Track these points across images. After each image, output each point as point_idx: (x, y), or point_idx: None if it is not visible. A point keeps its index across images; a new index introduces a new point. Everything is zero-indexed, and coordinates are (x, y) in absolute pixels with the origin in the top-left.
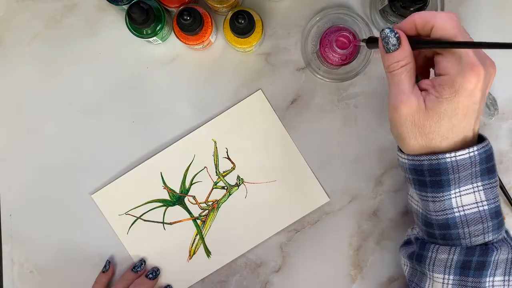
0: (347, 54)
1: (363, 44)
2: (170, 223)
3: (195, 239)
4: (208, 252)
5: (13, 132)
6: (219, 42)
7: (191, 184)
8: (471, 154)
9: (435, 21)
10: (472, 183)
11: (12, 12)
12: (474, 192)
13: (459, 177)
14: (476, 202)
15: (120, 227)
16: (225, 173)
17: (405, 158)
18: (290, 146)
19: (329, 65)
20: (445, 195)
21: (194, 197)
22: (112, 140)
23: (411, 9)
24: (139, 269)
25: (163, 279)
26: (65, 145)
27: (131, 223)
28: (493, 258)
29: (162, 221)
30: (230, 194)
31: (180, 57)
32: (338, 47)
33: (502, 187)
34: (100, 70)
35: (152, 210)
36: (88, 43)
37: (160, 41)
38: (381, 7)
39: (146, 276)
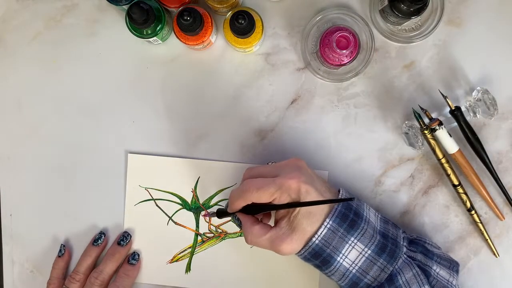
0: (347, 54)
1: (213, 216)
2: (175, 223)
3: (186, 249)
4: (188, 268)
5: (13, 132)
6: (219, 42)
7: (216, 203)
8: (328, 226)
9: (251, 200)
10: (346, 242)
11: (12, 12)
12: (353, 247)
13: (333, 246)
14: (360, 253)
15: (133, 196)
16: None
17: (298, 255)
18: (190, 164)
19: (329, 65)
20: (336, 264)
21: (210, 216)
22: (112, 140)
23: (411, 9)
24: (99, 242)
25: (142, 260)
26: (65, 145)
27: (144, 199)
28: (400, 282)
29: (170, 216)
30: (240, 235)
31: (180, 57)
32: (338, 47)
33: (502, 187)
34: (100, 70)
35: (169, 202)
36: (88, 43)
37: (160, 41)
38: (381, 7)
39: (118, 243)
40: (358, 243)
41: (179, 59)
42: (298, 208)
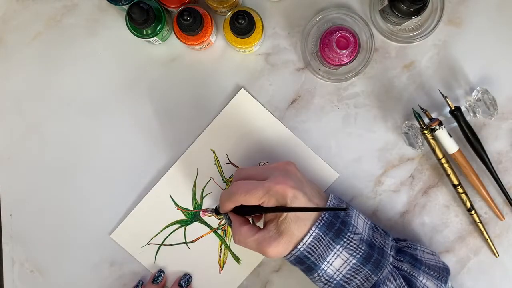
0: (347, 54)
1: (211, 214)
2: (193, 241)
3: (221, 249)
4: (237, 259)
5: (13, 132)
6: (219, 42)
7: (202, 197)
8: (314, 234)
9: (239, 202)
10: (332, 250)
11: (12, 12)
12: (338, 255)
13: (318, 254)
14: (345, 261)
15: (146, 258)
16: (231, 178)
17: (285, 259)
18: (287, 134)
19: (329, 65)
20: (320, 272)
21: (208, 209)
22: (112, 140)
23: (411, 9)
24: (159, 280)
25: None
26: (65, 145)
27: (156, 251)
28: None
29: (184, 241)
30: None
31: (180, 57)
32: (338, 47)
33: (502, 187)
34: (100, 70)
35: (173, 233)
36: (88, 43)
37: (160, 41)
38: (381, 7)
39: (179, 284)
40: (344, 252)
41: (179, 59)
42: (285, 214)
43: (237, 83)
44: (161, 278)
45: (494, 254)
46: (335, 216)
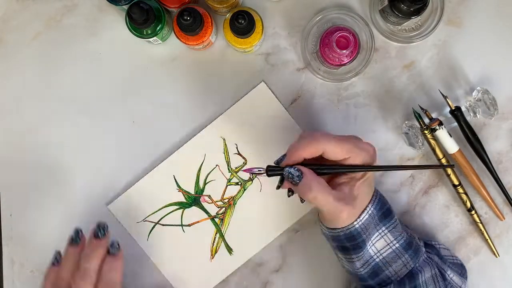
0: (347, 54)
1: (262, 174)
2: (189, 225)
3: (215, 238)
4: (229, 249)
5: (13, 132)
6: (219, 42)
7: (205, 183)
8: (370, 212)
9: (324, 149)
10: (377, 230)
11: (12, 12)
12: (382, 236)
13: (369, 233)
14: (388, 244)
15: (140, 234)
16: (237, 169)
17: (326, 231)
18: (297, 132)
19: (329, 65)
20: (364, 251)
21: (209, 196)
22: (112, 140)
23: (411, 9)
24: (77, 241)
25: (187, 280)
26: (65, 145)
27: (150, 229)
28: (420, 280)
29: (180, 223)
30: (245, 189)
31: (180, 57)
32: (338, 47)
33: (502, 187)
34: (100, 70)
35: (170, 214)
36: (88, 43)
37: (160, 41)
38: (381, 7)
39: (95, 236)
40: (388, 234)
41: (179, 59)
42: (368, 175)
43: (237, 83)
44: (78, 240)
45: (494, 254)
46: (385, 201)
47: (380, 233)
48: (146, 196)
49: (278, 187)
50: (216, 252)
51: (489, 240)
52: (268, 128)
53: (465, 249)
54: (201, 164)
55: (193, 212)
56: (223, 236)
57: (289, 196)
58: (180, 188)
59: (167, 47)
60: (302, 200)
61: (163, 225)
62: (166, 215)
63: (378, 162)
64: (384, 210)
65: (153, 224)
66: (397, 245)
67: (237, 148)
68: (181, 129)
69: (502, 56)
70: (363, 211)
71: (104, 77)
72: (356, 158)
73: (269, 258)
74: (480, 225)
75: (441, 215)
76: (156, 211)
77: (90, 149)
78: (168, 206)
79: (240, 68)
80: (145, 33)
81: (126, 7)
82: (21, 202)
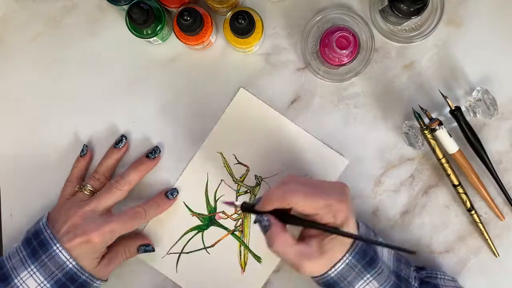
0: (347, 54)
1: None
2: (212, 246)
3: (240, 250)
4: (258, 258)
5: (13, 132)
6: (219, 42)
7: (215, 201)
8: (347, 261)
9: (291, 204)
10: (362, 278)
11: (12, 12)
12: (367, 284)
13: (348, 281)
14: None
15: (167, 268)
16: (242, 178)
17: (312, 278)
18: (291, 127)
19: (329, 65)
20: None
21: (223, 212)
22: (112, 140)
23: (411, 9)
24: (121, 144)
25: None
26: (65, 145)
27: (176, 260)
28: None
29: (203, 246)
30: (255, 195)
31: (180, 57)
32: (338, 47)
33: (502, 187)
34: (100, 70)
35: (191, 240)
36: (88, 43)
37: (160, 41)
38: (381, 7)
39: (147, 156)
40: (374, 281)
41: (179, 59)
42: (335, 235)
43: (237, 83)
44: (124, 142)
45: (494, 254)
46: (368, 244)
47: (365, 281)
48: (162, 231)
49: (255, 222)
50: (245, 264)
51: (489, 240)
52: (260, 130)
53: (465, 249)
54: (207, 184)
55: (212, 232)
56: (248, 247)
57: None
58: (193, 213)
59: (167, 47)
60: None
61: (187, 253)
62: (188, 242)
63: (378, 162)
64: (368, 259)
65: (178, 254)
66: None
67: (236, 158)
68: (180, 129)
69: (502, 56)
70: (339, 261)
71: (104, 77)
72: (323, 217)
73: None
74: (480, 225)
75: (441, 215)
76: (177, 242)
77: (89, 148)
78: (187, 233)
79: (240, 68)
80: (145, 33)
81: (126, 7)
82: (21, 202)
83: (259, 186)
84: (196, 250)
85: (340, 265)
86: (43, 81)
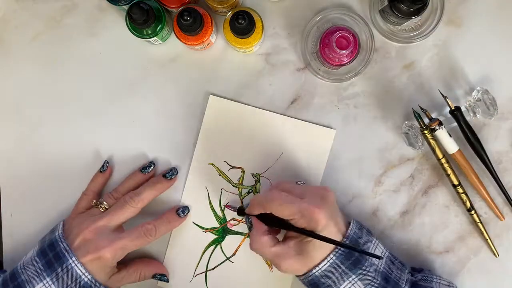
0: (347, 54)
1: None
2: (233, 254)
3: None
4: None
5: (13, 132)
6: (219, 42)
7: (222, 211)
8: (331, 261)
9: (271, 210)
10: (347, 279)
11: (12, 12)
12: (352, 284)
13: (332, 281)
14: None
15: None
16: (240, 181)
17: (298, 278)
18: (271, 117)
19: (329, 65)
20: None
21: (233, 219)
22: (112, 140)
23: (411, 9)
24: (148, 170)
25: None
26: (65, 145)
27: (205, 280)
28: None
29: (226, 258)
30: (258, 192)
31: (180, 57)
32: (338, 47)
33: (502, 187)
34: (100, 70)
35: (212, 256)
36: (88, 43)
37: (160, 41)
38: (381, 7)
39: (164, 176)
40: (358, 282)
41: (179, 59)
42: (310, 238)
43: (237, 83)
44: (151, 168)
45: (494, 254)
46: (351, 253)
47: (350, 281)
48: (182, 257)
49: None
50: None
51: (489, 240)
52: (242, 129)
53: (465, 249)
54: (209, 197)
55: (230, 241)
56: None
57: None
58: (205, 229)
59: (167, 47)
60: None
61: (212, 269)
62: (209, 258)
63: (378, 162)
64: (352, 260)
65: (204, 273)
66: None
67: (227, 163)
68: (180, 128)
69: (502, 56)
70: (322, 260)
71: (104, 77)
72: (300, 221)
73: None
74: (480, 225)
75: (441, 215)
76: (199, 262)
77: (89, 149)
78: (206, 250)
79: (240, 68)
80: (145, 33)
81: (126, 7)
82: (21, 202)
83: (259, 183)
84: (220, 264)
85: (324, 265)
86: (43, 81)
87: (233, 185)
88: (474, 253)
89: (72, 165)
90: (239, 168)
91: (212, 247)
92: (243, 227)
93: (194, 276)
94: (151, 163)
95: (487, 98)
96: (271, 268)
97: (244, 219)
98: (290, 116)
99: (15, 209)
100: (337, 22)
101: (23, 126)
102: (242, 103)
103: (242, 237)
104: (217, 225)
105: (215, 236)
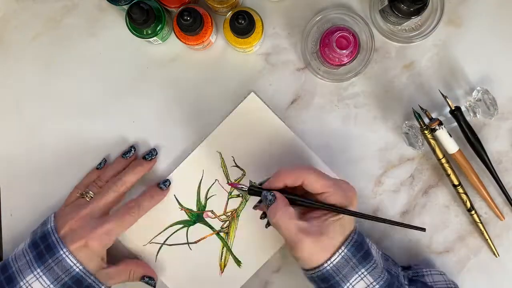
0: (347, 54)
1: (245, 191)
2: (195, 242)
3: (222, 252)
4: (238, 262)
5: (13, 132)
6: (219, 42)
7: (206, 199)
8: (343, 254)
9: (304, 179)
10: (356, 272)
11: (12, 12)
12: (362, 279)
13: (343, 275)
14: (367, 285)
15: (147, 256)
16: (237, 181)
17: (302, 272)
18: (294, 140)
19: (329, 65)
20: None
21: (212, 212)
22: (112, 140)
23: (411, 9)
24: (129, 154)
25: None
26: (65, 145)
27: (157, 250)
28: None
29: (186, 242)
30: (246, 201)
31: (180, 57)
32: (338, 47)
33: (502, 187)
34: (100, 70)
35: (175, 233)
36: (88, 43)
37: (160, 41)
38: (381, 7)
39: (143, 157)
40: (368, 276)
41: (179, 59)
42: (340, 216)
43: (237, 83)
44: (131, 153)
45: (494, 254)
46: (362, 241)
47: (359, 275)
48: (149, 219)
49: (255, 207)
50: (225, 266)
51: (489, 240)
52: (263, 138)
53: (465, 249)
54: (201, 181)
55: (198, 229)
56: (230, 249)
57: (266, 227)
58: (182, 207)
59: (167, 47)
60: (267, 225)
61: (169, 245)
62: (171, 234)
63: (378, 162)
64: (362, 253)
65: (160, 245)
66: (377, 286)
67: (234, 160)
68: (180, 128)
69: (502, 56)
70: (334, 253)
71: (104, 77)
72: (332, 196)
73: (269, 259)
74: (480, 225)
75: (441, 215)
76: (161, 232)
77: (89, 149)
78: (173, 225)
79: (240, 68)
80: (145, 33)
81: (126, 7)
82: (21, 202)
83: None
84: (179, 244)
85: (336, 258)
86: (43, 81)
87: (228, 182)
88: (474, 253)
89: (72, 164)
90: (242, 169)
91: (180, 226)
92: (216, 223)
93: (150, 242)
94: (132, 147)
95: (487, 98)
96: (222, 272)
97: (229, 214)
98: (311, 150)
99: (15, 209)
100: (337, 22)
101: (23, 126)
102: (276, 114)
103: (211, 231)
104: (195, 209)
105: (187, 218)
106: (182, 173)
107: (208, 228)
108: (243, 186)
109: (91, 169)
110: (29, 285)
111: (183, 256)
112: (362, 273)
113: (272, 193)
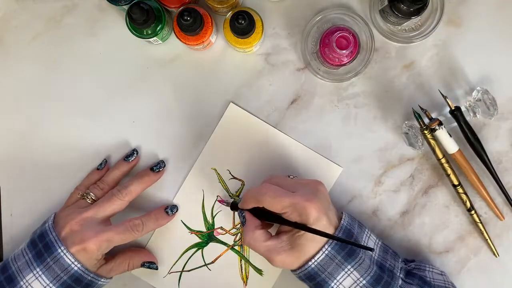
0: (347, 54)
1: (227, 205)
2: (212, 262)
3: (241, 265)
4: (259, 271)
5: (13, 131)
6: (219, 42)
7: (213, 217)
8: (326, 252)
9: (262, 202)
10: (343, 269)
11: (12, 12)
12: (348, 275)
13: (329, 272)
14: (355, 281)
15: (170, 287)
16: (238, 192)
17: (293, 273)
18: (283, 138)
19: (329, 65)
20: None
21: (221, 228)
22: (112, 140)
23: (411, 9)
24: (131, 158)
25: None
26: (65, 145)
27: (178, 279)
28: None
29: (204, 263)
30: None
31: (180, 57)
32: (338, 47)
33: (502, 187)
34: (100, 70)
35: (191, 258)
36: (88, 43)
37: (160, 42)
38: (381, 7)
39: (151, 169)
40: (354, 272)
41: (179, 59)
42: (303, 232)
43: (237, 83)
44: (134, 156)
45: (494, 254)
46: (348, 236)
47: (346, 272)
48: (162, 250)
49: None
50: (247, 277)
51: (489, 240)
52: (254, 144)
53: (465, 249)
54: (203, 200)
55: (212, 248)
56: (249, 260)
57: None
58: (191, 230)
59: (167, 47)
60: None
61: (188, 270)
62: (188, 260)
63: (378, 162)
64: (347, 250)
65: (179, 272)
66: (364, 281)
67: (230, 173)
68: (180, 128)
69: (502, 56)
70: (318, 251)
71: (104, 77)
72: (291, 215)
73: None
74: (480, 225)
75: (441, 215)
76: (177, 260)
77: (90, 149)
78: (187, 251)
79: (240, 68)
80: (145, 33)
81: (126, 7)
82: (21, 202)
83: None
84: (197, 268)
85: (320, 256)
86: (43, 81)
87: (230, 195)
88: (474, 253)
89: (72, 165)
90: (240, 180)
91: (194, 249)
92: (229, 238)
93: (169, 273)
94: (134, 150)
95: (487, 98)
96: (246, 284)
97: (239, 227)
98: (304, 145)
99: (15, 209)
100: (337, 22)
101: (23, 126)
102: (259, 118)
103: (225, 247)
104: (204, 229)
105: (199, 240)
106: (183, 197)
107: (222, 245)
108: (228, 202)
109: (92, 169)
110: (29, 284)
111: (205, 277)
112: (349, 269)
113: (243, 215)
